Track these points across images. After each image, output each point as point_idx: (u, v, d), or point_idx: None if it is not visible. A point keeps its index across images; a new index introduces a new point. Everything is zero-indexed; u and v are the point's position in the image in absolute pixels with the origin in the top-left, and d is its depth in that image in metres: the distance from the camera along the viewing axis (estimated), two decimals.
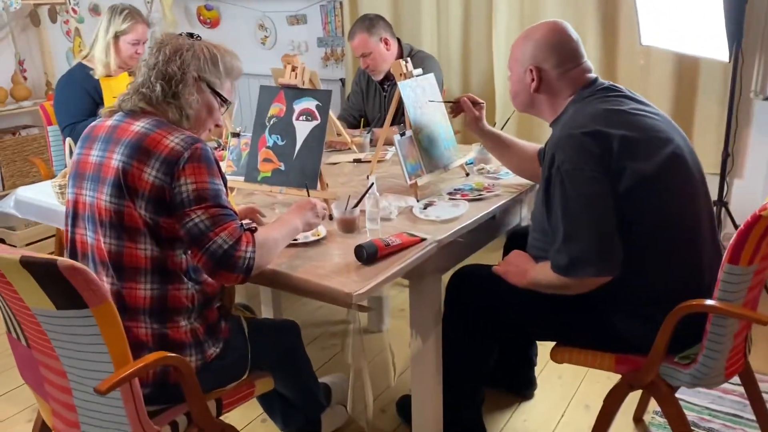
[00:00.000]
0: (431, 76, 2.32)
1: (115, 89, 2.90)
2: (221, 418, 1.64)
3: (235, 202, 2.10)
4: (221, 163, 2.09)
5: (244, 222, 1.68)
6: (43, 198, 2.28)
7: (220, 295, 1.66)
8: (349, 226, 1.84)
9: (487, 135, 2.19)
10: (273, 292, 2.74)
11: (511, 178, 2.25)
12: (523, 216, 2.30)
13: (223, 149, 2.60)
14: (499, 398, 2.35)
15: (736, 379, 1.78)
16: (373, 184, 1.85)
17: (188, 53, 1.59)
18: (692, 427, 2.10)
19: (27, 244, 3.76)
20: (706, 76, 3.07)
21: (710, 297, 1.55)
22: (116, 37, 2.92)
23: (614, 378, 1.76)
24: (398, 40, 3.14)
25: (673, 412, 1.68)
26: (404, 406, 2.21)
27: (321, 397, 2.06)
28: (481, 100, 2.18)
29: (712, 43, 2.67)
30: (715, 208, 2.80)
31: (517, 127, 3.42)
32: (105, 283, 1.50)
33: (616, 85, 1.77)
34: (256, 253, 1.49)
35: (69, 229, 1.61)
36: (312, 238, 1.78)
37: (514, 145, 2.17)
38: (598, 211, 1.58)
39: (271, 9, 4.51)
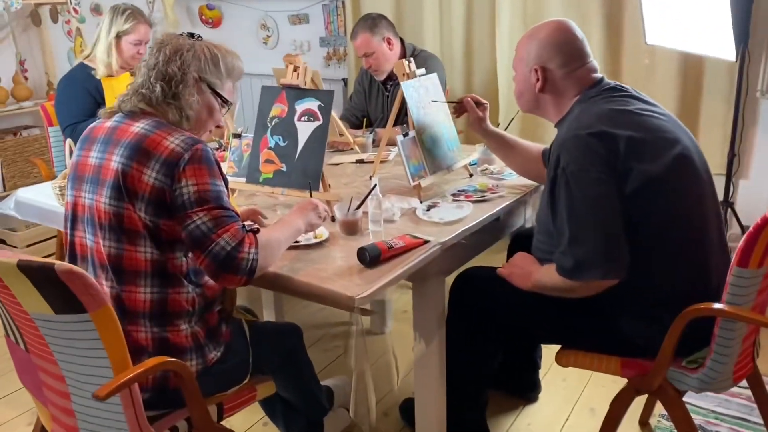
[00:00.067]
0: (434, 76, 2.30)
1: (117, 89, 2.88)
2: (222, 422, 1.62)
3: (237, 203, 2.08)
4: (222, 164, 2.08)
5: (246, 223, 1.66)
6: (43, 199, 2.27)
7: (221, 299, 1.64)
8: (351, 228, 1.82)
9: (490, 135, 2.17)
10: (275, 294, 2.72)
11: (515, 179, 2.23)
12: (528, 217, 2.28)
13: (224, 150, 2.58)
14: (503, 401, 2.32)
15: (743, 382, 1.75)
16: (375, 185, 1.83)
17: (189, 53, 1.57)
18: (699, 431, 2.08)
19: (28, 245, 3.74)
20: (711, 75, 3.04)
21: (718, 299, 1.53)
22: (118, 37, 2.90)
23: (619, 381, 1.73)
24: (401, 40, 3.12)
25: (680, 416, 1.66)
26: (407, 409, 2.20)
27: (323, 401, 2.04)
28: (485, 101, 2.16)
29: (718, 42, 2.64)
30: (720, 209, 2.77)
31: (520, 128, 3.40)
32: (104, 286, 1.48)
33: (622, 85, 1.75)
34: (259, 254, 1.47)
35: (68, 231, 1.59)
36: (314, 240, 1.76)
37: (518, 146, 2.14)
38: (604, 213, 1.55)
39: (273, 8, 4.50)
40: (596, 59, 1.80)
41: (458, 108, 2.19)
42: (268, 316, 2.77)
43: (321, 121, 2.00)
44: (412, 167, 2.06)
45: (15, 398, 2.47)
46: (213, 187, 1.48)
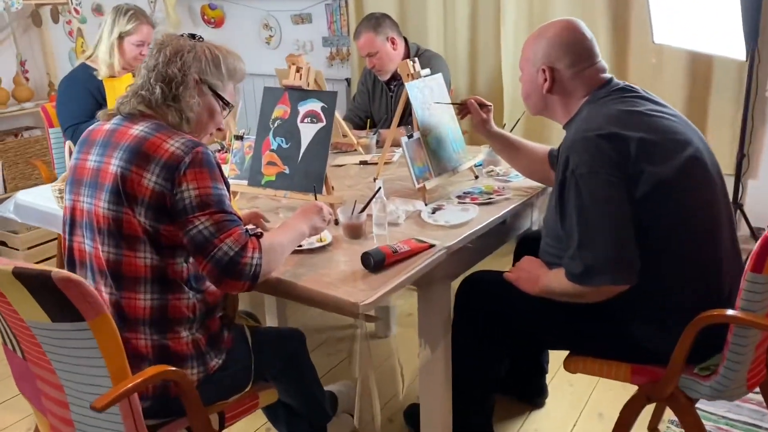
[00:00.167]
0: (439, 76, 2.26)
1: (119, 90, 2.86)
2: (224, 431, 1.59)
3: (239, 206, 2.06)
4: (224, 167, 2.05)
5: (248, 227, 1.63)
6: (43, 202, 2.24)
7: (222, 304, 1.61)
8: (355, 232, 1.79)
9: (495, 137, 2.13)
10: (277, 297, 2.69)
11: (521, 181, 2.20)
12: (534, 220, 2.25)
13: (226, 152, 2.55)
14: (510, 406, 2.29)
15: None
16: (380, 188, 1.80)
17: (189, 55, 1.54)
18: None
19: (29, 248, 3.72)
20: (719, 74, 3.00)
21: (730, 303, 1.49)
22: (120, 37, 2.88)
23: (628, 386, 1.70)
24: (405, 40, 3.09)
25: (692, 423, 1.62)
26: (412, 414, 2.16)
27: (327, 407, 2.01)
28: (489, 102, 2.13)
29: (727, 42, 2.61)
30: (732, 212, 2.74)
31: (525, 128, 3.36)
32: (103, 292, 1.45)
33: (631, 85, 1.71)
34: (262, 259, 1.44)
35: (67, 236, 1.56)
36: (317, 245, 1.73)
37: (524, 147, 2.11)
38: (615, 217, 1.52)
39: (275, 8, 4.47)
40: (602, 59, 1.76)
41: (462, 110, 2.16)
42: (270, 319, 2.74)
43: (324, 123, 1.97)
44: (416, 169, 2.02)
45: (15, 403, 2.44)
46: (214, 191, 1.45)
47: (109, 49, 2.88)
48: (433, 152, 2.10)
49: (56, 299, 1.20)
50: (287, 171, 2.00)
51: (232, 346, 1.60)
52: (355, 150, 2.71)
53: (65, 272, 1.19)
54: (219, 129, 1.65)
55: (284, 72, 2.12)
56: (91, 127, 1.58)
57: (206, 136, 1.62)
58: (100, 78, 2.91)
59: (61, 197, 2.07)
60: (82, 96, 2.89)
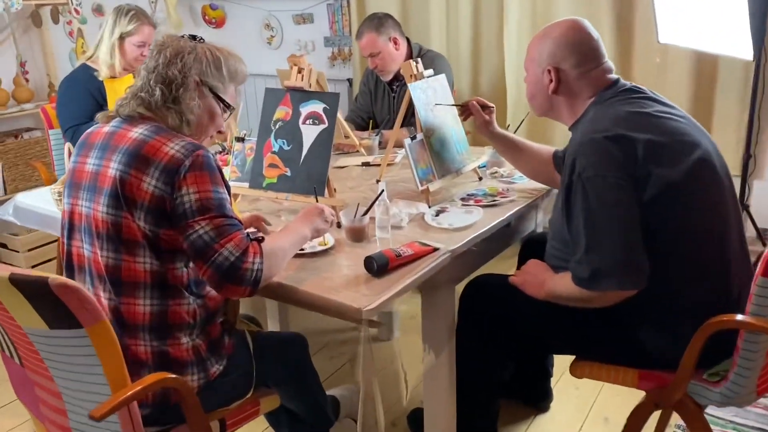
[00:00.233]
0: (443, 77, 2.24)
1: (120, 91, 2.82)
2: None
3: (240, 209, 2.03)
4: (225, 169, 2.02)
5: (249, 230, 1.60)
6: (43, 205, 2.22)
7: (223, 309, 1.59)
8: (358, 235, 1.76)
9: (498, 139, 2.11)
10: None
11: (525, 183, 2.17)
12: (539, 222, 2.22)
13: (227, 153, 2.53)
14: (515, 410, 2.27)
15: None
16: (383, 191, 1.77)
17: (190, 56, 1.51)
18: None
19: (29, 249, 3.70)
20: (725, 74, 2.98)
21: (740, 308, 1.47)
22: (122, 38, 2.86)
23: (634, 390, 1.68)
24: (407, 40, 3.06)
25: (700, 428, 1.60)
26: (416, 419, 2.14)
27: (329, 412, 1.99)
28: (491, 104, 2.10)
29: (734, 41, 2.58)
30: (741, 215, 2.72)
31: (528, 129, 3.33)
32: (102, 298, 1.43)
33: (639, 86, 1.69)
34: (264, 264, 1.42)
35: (65, 241, 1.54)
36: (319, 248, 1.71)
37: (527, 149, 2.08)
38: (623, 220, 1.49)
39: (277, 8, 4.45)
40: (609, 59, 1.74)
41: (464, 111, 2.14)
42: (272, 321, 2.71)
43: (326, 125, 1.95)
44: (420, 171, 2.00)
45: (14, 408, 2.42)
46: (215, 195, 1.42)
47: (110, 49, 2.87)
48: (436, 154, 2.07)
49: (53, 306, 1.18)
50: (289, 173, 1.97)
51: (233, 352, 1.58)
52: (357, 151, 2.69)
53: (62, 278, 1.17)
54: (219, 132, 1.62)
55: (286, 73, 2.09)
56: (89, 130, 1.56)
57: (207, 138, 1.60)
58: (100, 79, 2.90)
59: (60, 200, 2.05)
60: (82, 97, 2.87)
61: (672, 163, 1.52)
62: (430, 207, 1.97)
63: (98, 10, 4.29)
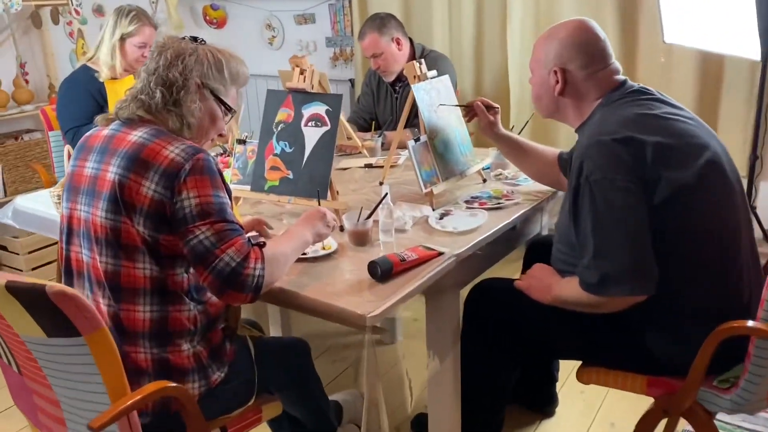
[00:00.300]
0: (446, 77, 2.21)
1: (121, 92, 2.80)
2: None
3: (241, 212, 2.01)
4: (226, 171, 2.00)
5: (250, 236, 1.58)
6: (42, 208, 2.20)
7: (224, 315, 1.56)
8: (361, 239, 1.74)
9: (502, 140, 2.08)
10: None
11: (530, 185, 2.14)
12: (544, 224, 2.19)
13: (228, 155, 2.50)
14: (520, 415, 2.24)
15: None
16: (387, 194, 1.74)
17: (191, 58, 1.49)
18: None
19: (30, 252, 3.67)
20: (731, 74, 2.95)
21: (750, 312, 1.44)
22: (122, 39, 2.84)
23: (641, 395, 1.65)
24: (410, 40, 3.04)
25: None
26: (420, 424, 2.11)
27: (332, 417, 1.96)
28: (496, 104, 2.07)
29: (741, 41, 2.55)
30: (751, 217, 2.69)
31: (530, 130, 3.30)
32: (102, 304, 1.40)
33: (646, 87, 1.66)
34: (265, 270, 1.39)
35: (63, 245, 1.51)
36: (322, 252, 1.68)
37: (532, 150, 2.06)
38: (631, 225, 1.46)
39: (278, 8, 4.42)
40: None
41: (468, 112, 2.11)
42: (274, 326, 2.69)
43: (329, 127, 1.92)
44: (424, 173, 1.97)
45: (12, 413, 2.39)
46: (216, 199, 1.39)
47: (111, 50, 2.84)
48: (440, 156, 2.05)
49: (51, 314, 1.16)
50: (291, 176, 1.95)
51: (235, 359, 1.55)
52: (360, 153, 2.66)
53: (60, 286, 1.14)
54: (220, 135, 1.60)
55: (288, 74, 2.07)
56: (88, 133, 1.53)
57: (207, 141, 1.57)
58: (101, 80, 2.87)
59: (60, 203, 2.03)
60: (83, 98, 2.85)
61: (681, 165, 1.49)
62: (434, 210, 1.95)
63: (99, 11, 4.26)
